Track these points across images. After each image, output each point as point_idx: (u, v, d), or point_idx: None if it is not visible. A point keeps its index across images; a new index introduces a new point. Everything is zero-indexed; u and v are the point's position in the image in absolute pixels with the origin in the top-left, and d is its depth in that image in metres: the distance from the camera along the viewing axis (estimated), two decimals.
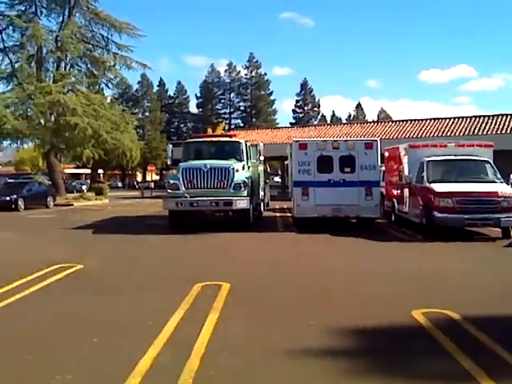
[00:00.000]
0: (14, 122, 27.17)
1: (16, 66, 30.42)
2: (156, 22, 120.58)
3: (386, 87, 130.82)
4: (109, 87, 36.33)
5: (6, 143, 33.29)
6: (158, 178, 70.50)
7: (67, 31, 30.02)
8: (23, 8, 31.02)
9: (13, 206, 23.98)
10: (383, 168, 17.77)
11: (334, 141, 15.55)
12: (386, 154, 18.06)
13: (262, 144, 17.75)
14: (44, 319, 5.94)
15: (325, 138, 21.35)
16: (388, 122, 39.48)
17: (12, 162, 75.26)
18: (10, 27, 30.44)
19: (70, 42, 30.00)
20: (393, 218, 16.61)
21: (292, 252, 11.44)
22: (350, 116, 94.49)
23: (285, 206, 22.48)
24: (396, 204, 16.29)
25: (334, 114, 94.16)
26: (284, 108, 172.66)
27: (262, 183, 19.64)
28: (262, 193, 19.25)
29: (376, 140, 15.37)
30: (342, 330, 5.47)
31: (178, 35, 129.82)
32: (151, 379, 4.20)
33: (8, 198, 24.18)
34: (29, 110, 29.55)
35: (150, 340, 5.04)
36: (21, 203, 24.48)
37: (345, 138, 19.89)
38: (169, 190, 14.79)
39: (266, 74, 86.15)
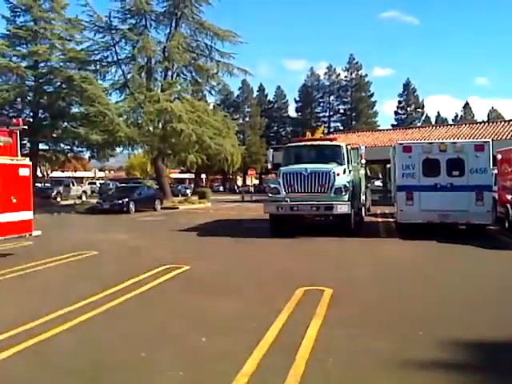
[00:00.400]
0: (126, 130, 28.99)
1: (128, 76, 32.45)
2: (255, 28, 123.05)
3: (496, 85, 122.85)
4: (212, 94, 37.61)
5: (118, 150, 35.67)
6: (257, 182, 71.75)
7: (174, 42, 31.50)
8: (134, 22, 33.02)
9: (125, 209, 25.66)
10: (495, 171, 16.66)
11: (441, 143, 14.86)
12: (499, 156, 16.91)
13: (363, 147, 17.40)
14: (154, 317, 6.27)
15: (431, 140, 20.46)
16: (500, 122, 36.86)
17: (123, 168, 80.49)
18: (123, 40, 32.56)
19: (176, 52, 31.44)
20: (506, 224, 15.49)
21: (397, 259, 11.07)
22: (456, 116, 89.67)
23: (387, 211, 21.83)
24: (511, 210, 15.17)
25: (439, 115, 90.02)
26: (385, 110, 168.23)
27: (363, 187, 19.25)
28: (363, 197, 18.87)
29: (488, 141, 14.46)
30: (454, 342, 5.20)
31: (276, 40, 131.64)
32: (258, 381, 4.27)
33: (120, 202, 25.98)
34: (139, 118, 31.35)
35: (255, 342, 5.13)
36: (132, 206, 26.12)
37: (452, 140, 18.90)
38: (269, 194, 14.98)
39: (366, 75, 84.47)
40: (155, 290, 7.78)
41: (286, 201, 14.34)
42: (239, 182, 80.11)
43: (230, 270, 9.63)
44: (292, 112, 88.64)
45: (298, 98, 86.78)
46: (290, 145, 17.56)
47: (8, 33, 34.73)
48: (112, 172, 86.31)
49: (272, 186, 15.11)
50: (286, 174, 14.72)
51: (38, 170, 39.97)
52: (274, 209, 14.61)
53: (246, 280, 8.69)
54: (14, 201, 10.61)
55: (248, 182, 61.25)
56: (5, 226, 10.29)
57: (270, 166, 18.30)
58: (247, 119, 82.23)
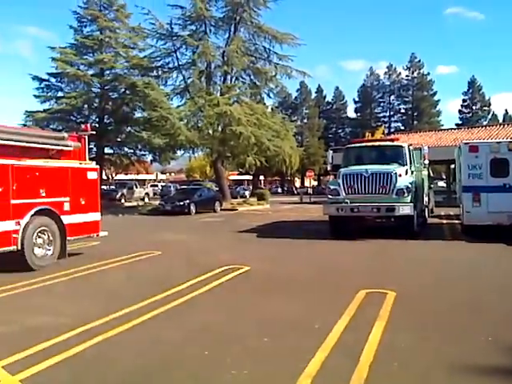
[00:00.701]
0: (187, 133, 29.65)
1: (188, 81, 33.20)
2: (313, 29, 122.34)
3: None
4: (270, 96, 37.78)
5: (179, 153, 36.54)
6: (315, 183, 71.31)
7: (233, 46, 31.92)
8: (194, 28, 33.74)
9: (185, 210, 26.27)
10: None
11: (510, 142, 14.22)
12: None
13: (426, 147, 16.94)
14: (216, 317, 6.36)
15: (498, 140, 19.58)
16: None
17: (183, 170, 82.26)
18: (183, 46, 33.36)
19: (235, 56, 31.84)
20: None
21: (463, 262, 10.68)
22: None
23: (451, 213, 21.11)
24: None
25: (506, 113, 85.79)
26: (449, 109, 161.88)
27: (426, 188, 18.70)
28: (426, 198, 18.34)
29: None
30: None
31: (334, 41, 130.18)
32: (321, 382, 4.24)
33: (182, 203, 26.65)
34: (199, 121, 31.99)
35: (318, 343, 5.11)
36: (192, 208, 26.69)
37: None
38: (329, 196, 14.85)
39: (428, 73, 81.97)
40: (217, 290, 7.90)
41: (346, 202, 14.17)
42: (297, 184, 79.95)
43: (291, 271, 9.62)
44: (351, 113, 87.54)
45: (357, 99, 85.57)
46: (350, 146, 17.34)
47: (75, 42, 36.38)
48: (172, 174, 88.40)
49: (332, 187, 14.97)
50: (346, 176, 14.55)
51: (103, 173, 41.56)
52: (334, 210, 14.47)
53: (306, 281, 8.65)
54: (83, 203, 11.08)
55: (306, 183, 61.02)
56: (75, 227, 10.77)
57: (329, 168, 18.16)
58: (305, 121, 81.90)
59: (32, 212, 9.60)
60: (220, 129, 32.19)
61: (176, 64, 33.52)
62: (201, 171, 72.40)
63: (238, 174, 75.72)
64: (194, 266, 9.96)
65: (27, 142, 10.18)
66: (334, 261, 11.04)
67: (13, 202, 9.20)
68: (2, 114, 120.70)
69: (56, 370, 4.55)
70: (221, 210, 29.00)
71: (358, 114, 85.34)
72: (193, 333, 5.70)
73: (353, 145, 17.47)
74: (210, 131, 31.96)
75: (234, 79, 34.49)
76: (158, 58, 33.82)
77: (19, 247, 9.31)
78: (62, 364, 4.68)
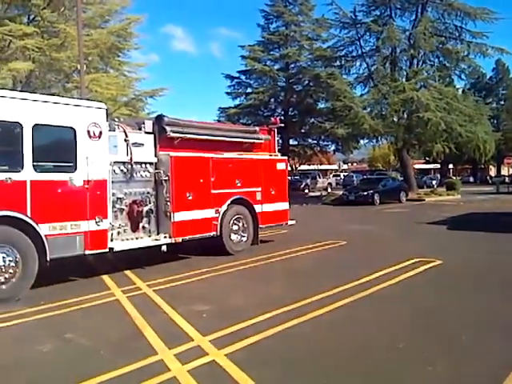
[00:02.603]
0: (371, 122, 29.14)
1: (372, 69, 32.57)
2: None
3: None
4: (461, 78, 35.09)
5: (362, 142, 36.17)
6: None
7: (420, 28, 30.34)
8: (378, 13, 32.91)
9: (369, 200, 25.94)
10: None
11: None
12: None
13: None
14: (404, 311, 6.15)
15: None
16: None
17: (365, 160, 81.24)
18: (367, 33, 32.77)
19: (422, 38, 30.24)
20: None
21: None
22: None
23: None
24: None
25: None
26: None
27: None
28: None
29: None
30: None
31: None
32: None
33: (365, 193, 26.40)
34: (383, 109, 31.17)
35: None
36: (376, 198, 26.24)
37: None
38: None
39: None
40: (405, 283, 7.64)
41: None
42: (492, 172, 73.04)
43: (484, 269, 8.83)
44: None
45: None
46: None
47: (263, 39, 38.34)
48: (354, 164, 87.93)
49: None
50: None
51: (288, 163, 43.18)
52: None
53: (502, 279, 7.86)
54: (273, 193, 11.67)
55: (503, 171, 55.49)
56: (266, 215, 11.40)
57: None
58: (502, 102, 74.19)
59: (229, 201, 10.43)
60: (405, 116, 31.05)
61: (359, 52, 33.15)
62: (384, 160, 70.72)
63: (424, 163, 72.09)
64: (379, 258, 9.79)
65: (224, 137, 11.06)
66: None
67: (213, 191, 10.10)
68: (199, 111, 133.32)
69: (257, 347, 4.89)
70: (406, 200, 27.98)
71: None
72: (381, 324, 5.60)
73: None
74: (395, 119, 30.98)
75: (420, 63, 32.84)
76: (342, 48, 33.81)
77: (218, 233, 10.19)
78: (260, 343, 5.00)
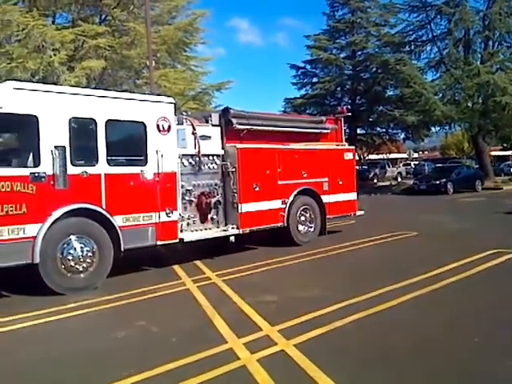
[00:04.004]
0: (443, 108, 27.96)
1: (444, 52, 31.20)
2: None
3: None
4: None
5: (434, 129, 34.84)
6: None
7: (495, 8, 28.71)
8: None
9: (442, 190, 25.02)
10: None
11: None
12: None
13: None
14: (483, 303, 5.90)
15: None
16: None
17: (437, 148, 78.28)
18: (438, 16, 31.41)
19: (497, 19, 28.60)
20: None
21: None
22: None
23: None
24: None
25: None
26: None
27: None
28: None
29: None
30: None
31: None
32: None
33: (438, 182, 25.51)
34: (456, 94, 29.83)
35: None
36: (450, 187, 25.29)
37: None
38: None
39: None
40: (483, 274, 7.30)
41: None
42: None
43: None
44: None
45: None
46: None
47: (328, 28, 37.80)
48: (425, 152, 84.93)
49: None
50: None
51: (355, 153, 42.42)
52: None
53: None
54: (341, 183, 11.50)
55: None
56: (333, 206, 11.27)
57: None
58: None
59: (295, 192, 10.39)
60: (481, 100, 29.53)
61: (430, 36, 31.80)
62: (457, 148, 67.84)
63: (501, 149, 68.48)
64: (455, 249, 9.41)
65: (291, 128, 11.01)
66: None
67: (279, 182, 10.11)
68: (264, 103, 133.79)
69: (326, 337, 4.85)
70: (482, 188, 26.75)
71: None
72: (456, 317, 5.38)
73: None
74: (469, 104, 29.55)
75: (496, 44, 31.09)
76: (411, 32, 32.54)
77: (285, 224, 10.19)
78: (328, 334, 4.96)
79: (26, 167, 6.67)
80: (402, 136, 39.62)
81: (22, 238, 6.48)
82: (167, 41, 21.17)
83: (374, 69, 36.43)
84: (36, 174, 6.64)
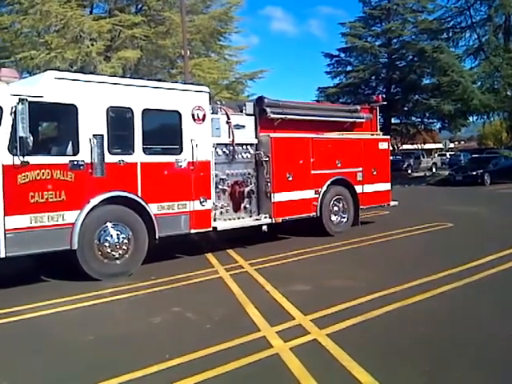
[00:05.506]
0: (481, 97, 27.22)
1: (483, 39, 30.30)
2: None
3: None
4: None
5: (471, 119, 33.94)
6: None
7: None
8: None
9: (479, 181, 24.47)
10: None
11: None
12: None
13: None
14: None
15: None
16: None
17: (473, 138, 76.25)
18: (478, 2, 30.48)
19: None
20: None
21: None
22: None
23: None
24: None
25: None
26: None
27: None
28: None
29: None
30: None
31: None
32: None
33: (474, 173, 24.93)
34: (496, 82, 28.98)
35: None
36: (487, 178, 24.72)
37: None
38: None
39: None
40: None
41: None
42: None
43: None
44: None
45: None
46: None
47: (364, 15, 37.14)
48: (462, 143, 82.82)
49: None
50: None
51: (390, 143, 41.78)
52: None
53: None
54: (375, 173, 11.37)
55: None
56: (367, 196, 11.17)
57: None
58: None
59: (329, 182, 10.34)
60: None
61: (469, 22, 30.84)
62: (495, 138, 65.94)
63: None
64: (490, 241, 9.24)
65: (325, 117, 10.93)
66: None
67: (312, 172, 10.07)
68: (298, 92, 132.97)
69: (359, 328, 4.85)
70: None
71: None
72: (493, 308, 5.30)
73: None
74: (509, 92, 28.63)
75: None
76: (449, 19, 31.64)
77: (318, 214, 10.16)
78: (362, 324, 4.95)
79: (66, 155, 6.84)
80: (438, 125, 38.69)
81: (61, 224, 6.66)
82: (202, 30, 21.24)
83: (410, 57, 35.65)
84: (75, 162, 6.81)
